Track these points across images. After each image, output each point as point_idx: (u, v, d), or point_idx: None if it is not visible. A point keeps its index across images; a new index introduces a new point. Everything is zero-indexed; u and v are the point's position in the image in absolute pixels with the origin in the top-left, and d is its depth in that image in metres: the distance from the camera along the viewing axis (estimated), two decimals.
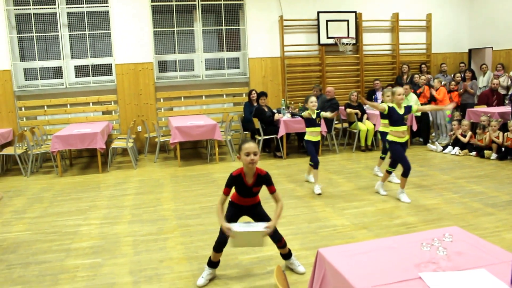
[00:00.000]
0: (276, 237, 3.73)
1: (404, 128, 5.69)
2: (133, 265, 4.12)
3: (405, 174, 5.65)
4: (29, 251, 4.53)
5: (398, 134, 5.67)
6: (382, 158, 7.10)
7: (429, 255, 2.37)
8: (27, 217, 5.65)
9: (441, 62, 11.16)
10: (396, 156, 5.75)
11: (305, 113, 6.35)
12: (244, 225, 3.48)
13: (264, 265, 4.01)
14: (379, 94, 10.23)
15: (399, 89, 5.68)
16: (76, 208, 5.93)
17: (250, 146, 3.47)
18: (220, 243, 3.66)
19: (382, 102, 9.90)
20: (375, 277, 2.26)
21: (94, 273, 3.98)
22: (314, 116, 6.31)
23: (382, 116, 6.30)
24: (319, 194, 6.11)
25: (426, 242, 2.40)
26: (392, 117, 5.67)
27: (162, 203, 6.04)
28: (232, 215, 3.69)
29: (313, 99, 6.31)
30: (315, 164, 6.26)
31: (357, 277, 2.26)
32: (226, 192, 3.55)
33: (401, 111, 5.63)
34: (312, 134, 6.39)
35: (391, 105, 5.66)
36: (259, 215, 3.74)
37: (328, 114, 6.71)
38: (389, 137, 5.76)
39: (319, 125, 6.44)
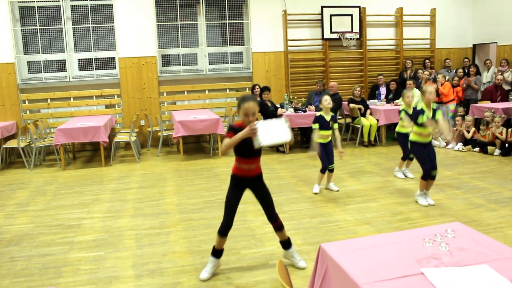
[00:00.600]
0: (273, 216, 3.73)
1: (429, 130, 5.28)
2: (135, 258, 4.14)
3: (424, 177, 5.35)
4: (32, 244, 4.55)
5: (423, 135, 5.31)
6: (404, 159, 6.66)
7: (431, 250, 2.37)
8: (30, 210, 5.67)
9: (445, 57, 11.12)
10: (419, 158, 5.43)
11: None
12: (266, 121, 3.29)
13: (266, 259, 4.02)
14: (382, 89, 10.20)
15: (430, 88, 5.22)
16: (79, 202, 5.96)
17: (250, 106, 3.34)
18: (225, 227, 3.60)
19: (387, 97, 9.93)
20: (377, 272, 2.26)
21: (97, 266, 4.00)
22: (327, 118, 5.85)
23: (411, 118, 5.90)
24: (316, 193, 5.98)
25: (428, 238, 2.40)
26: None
27: (165, 197, 6.05)
28: (232, 195, 3.63)
29: (327, 97, 5.90)
30: (322, 168, 5.97)
31: (359, 272, 2.26)
32: (231, 136, 3.38)
33: (430, 114, 5.19)
34: (322, 137, 5.93)
35: (419, 107, 5.26)
36: (262, 195, 3.73)
37: (337, 133, 6.01)
38: (412, 137, 5.43)
39: (330, 129, 5.96)
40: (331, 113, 5.97)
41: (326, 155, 5.99)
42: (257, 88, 9.19)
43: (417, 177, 6.57)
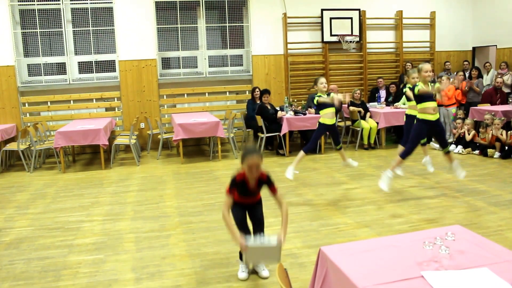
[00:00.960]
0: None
1: (434, 104, 5.45)
2: (135, 261, 4.13)
3: (402, 155, 5.60)
4: (31, 247, 4.55)
5: (428, 110, 5.44)
6: (423, 144, 6.66)
7: (431, 253, 2.36)
8: (30, 212, 5.67)
9: (445, 60, 11.12)
10: (414, 134, 5.54)
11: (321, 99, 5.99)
12: (257, 240, 3.21)
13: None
14: (382, 92, 10.21)
15: (426, 66, 5.42)
16: (79, 204, 5.95)
17: (254, 161, 3.29)
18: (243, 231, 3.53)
19: (387, 100, 9.93)
20: (377, 275, 2.26)
21: (97, 269, 3.99)
22: (430, 89, 5.70)
23: (409, 99, 6.30)
24: (289, 178, 6.13)
25: (428, 241, 2.39)
26: (425, 94, 5.41)
27: (164, 200, 6.05)
28: (238, 214, 3.62)
29: (323, 80, 6.06)
30: (306, 148, 6.24)
31: (359, 275, 2.26)
32: (232, 194, 3.42)
33: (428, 89, 5.43)
34: (327, 116, 6.02)
35: (418, 85, 5.46)
36: (256, 217, 3.70)
37: (339, 97, 6.07)
38: (419, 115, 5.55)
39: (333, 105, 6.00)
40: (326, 93, 6.08)
41: (332, 136, 6.25)
42: (257, 91, 9.20)
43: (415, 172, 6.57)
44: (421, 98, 5.46)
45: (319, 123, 6.22)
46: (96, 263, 4.13)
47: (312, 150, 6.06)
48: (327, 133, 6.52)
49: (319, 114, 6.30)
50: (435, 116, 5.48)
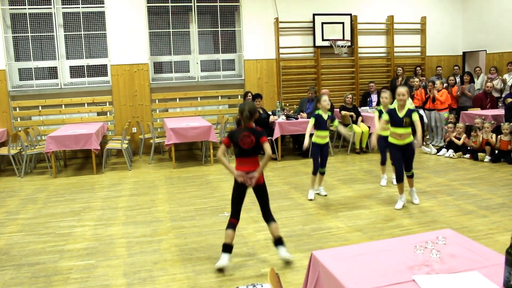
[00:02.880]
0: (267, 216, 4.19)
1: (401, 130, 5.38)
2: (127, 267, 4.11)
3: (397, 180, 5.59)
4: (22, 253, 4.51)
5: (395, 136, 5.47)
6: (383, 164, 6.67)
7: (422, 257, 2.37)
8: (21, 218, 5.62)
9: (436, 64, 11.22)
10: (391, 158, 5.63)
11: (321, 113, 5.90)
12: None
13: (258, 267, 4.01)
14: (374, 97, 10.26)
15: (400, 89, 5.40)
16: (70, 210, 5.91)
17: (244, 134, 3.93)
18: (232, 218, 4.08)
19: (378, 105, 9.98)
20: (369, 279, 2.27)
21: (88, 275, 3.97)
22: (325, 117, 5.88)
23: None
24: (311, 200, 6.01)
25: (419, 245, 2.41)
26: (392, 119, 5.45)
27: (156, 204, 6.03)
28: (236, 189, 4.09)
29: (326, 97, 5.95)
30: (314, 170, 6.03)
31: (351, 279, 2.26)
32: (226, 142, 4.01)
33: (401, 114, 5.36)
34: (319, 136, 5.96)
35: (391, 107, 5.54)
36: (261, 196, 4.17)
37: (343, 130, 6.33)
38: (389, 138, 5.60)
39: (327, 129, 6.00)
40: (329, 113, 5.98)
41: (320, 157, 6.01)
42: (249, 96, 9.21)
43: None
44: (392, 122, 5.45)
45: (313, 143, 6.04)
46: (87, 268, 4.10)
47: (317, 168, 6.03)
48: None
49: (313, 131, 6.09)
50: (402, 141, 5.42)
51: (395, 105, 5.53)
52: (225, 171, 5.37)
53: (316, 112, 5.95)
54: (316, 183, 6.18)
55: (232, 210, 4.06)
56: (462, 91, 9.72)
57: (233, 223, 4.02)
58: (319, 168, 6.04)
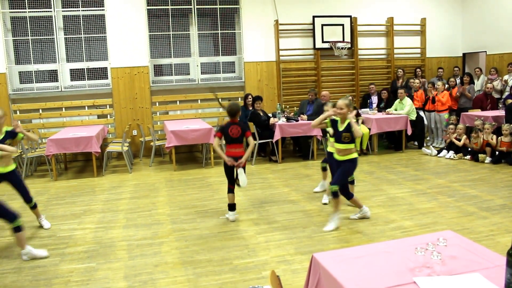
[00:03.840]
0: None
1: (338, 146, 4.92)
2: (127, 269, 4.11)
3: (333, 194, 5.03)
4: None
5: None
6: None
7: (423, 259, 2.37)
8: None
9: (436, 66, 11.22)
10: (351, 172, 5.11)
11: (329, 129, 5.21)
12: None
13: (259, 269, 4.00)
14: (374, 98, 10.27)
15: (339, 102, 4.85)
16: (71, 212, 5.91)
17: (233, 126, 5.25)
18: (230, 185, 5.33)
19: (378, 106, 9.99)
20: (370, 281, 2.27)
21: (89, 278, 3.97)
22: (341, 128, 4.93)
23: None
24: (325, 204, 5.85)
25: (420, 247, 2.40)
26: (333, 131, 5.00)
27: (157, 207, 6.03)
28: (226, 167, 5.30)
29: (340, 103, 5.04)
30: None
31: (352, 282, 2.26)
32: (219, 135, 5.28)
33: (340, 127, 4.87)
34: (332, 144, 5.32)
35: (336, 118, 4.96)
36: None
37: (357, 128, 4.90)
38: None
39: (342, 143, 4.93)
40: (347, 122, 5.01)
41: (330, 168, 5.59)
42: (250, 98, 9.20)
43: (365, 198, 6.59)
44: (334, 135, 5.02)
45: (328, 152, 5.68)
46: (88, 271, 4.10)
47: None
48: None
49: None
50: (340, 157, 4.96)
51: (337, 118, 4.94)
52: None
53: (333, 117, 5.12)
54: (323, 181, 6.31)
55: (228, 180, 5.35)
56: (462, 92, 9.72)
57: (231, 188, 5.34)
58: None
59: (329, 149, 5.53)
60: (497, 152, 7.93)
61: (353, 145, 4.90)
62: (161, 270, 4.07)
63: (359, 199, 5.37)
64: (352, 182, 5.83)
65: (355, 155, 4.94)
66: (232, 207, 5.33)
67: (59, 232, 5.17)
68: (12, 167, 5.06)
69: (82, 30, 9.30)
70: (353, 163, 4.95)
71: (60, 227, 5.34)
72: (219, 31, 10.03)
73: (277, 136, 8.41)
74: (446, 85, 9.84)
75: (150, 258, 4.34)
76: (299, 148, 9.04)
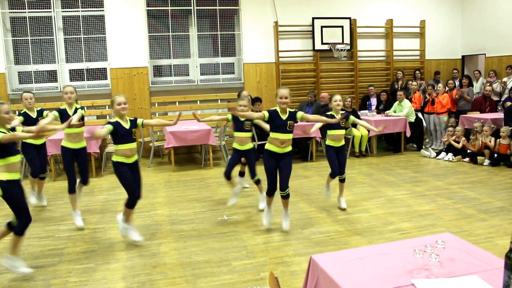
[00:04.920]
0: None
1: (339, 132, 5.51)
2: (126, 270, 4.11)
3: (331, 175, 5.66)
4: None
5: (333, 137, 5.56)
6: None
7: (421, 261, 2.37)
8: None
9: (435, 68, 11.24)
10: (328, 160, 5.67)
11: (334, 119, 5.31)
12: None
13: (258, 271, 4.00)
14: (373, 100, 10.28)
15: (335, 96, 5.48)
16: (69, 213, 5.89)
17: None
18: (270, 189, 4.94)
19: (378, 108, 10.00)
20: (368, 283, 2.27)
21: (87, 278, 3.96)
22: (338, 117, 5.40)
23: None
24: (344, 209, 5.65)
25: (418, 249, 2.40)
26: (273, 122, 4.78)
27: (156, 208, 6.02)
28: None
29: (338, 97, 5.49)
30: (332, 174, 5.61)
31: (350, 283, 2.26)
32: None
33: (284, 116, 4.73)
34: (333, 138, 5.55)
35: (272, 109, 4.81)
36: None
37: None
38: (326, 142, 5.70)
39: (343, 127, 5.60)
40: (341, 112, 5.55)
41: (338, 162, 5.57)
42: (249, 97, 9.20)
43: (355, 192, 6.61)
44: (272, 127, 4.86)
45: (327, 145, 5.67)
46: (86, 272, 4.09)
47: (335, 172, 5.58)
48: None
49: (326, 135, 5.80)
50: (339, 143, 5.64)
51: (277, 108, 4.80)
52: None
53: (330, 113, 5.54)
54: (339, 193, 5.80)
55: (270, 182, 4.91)
56: (461, 95, 9.74)
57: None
58: (337, 171, 5.56)
59: (333, 143, 5.63)
60: (495, 155, 7.93)
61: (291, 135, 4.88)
62: (159, 271, 4.07)
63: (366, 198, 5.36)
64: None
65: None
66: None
67: (58, 233, 5.17)
68: (83, 144, 5.41)
69: (81, 31, 9.30)
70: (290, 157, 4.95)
71: (58, 228, 5.33)
72: (219, 32, 10.03)
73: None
74: (446, 88, 9.85)
75: (148, 259, 4.34)
76: (298, 150, 9.05)
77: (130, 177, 4.61)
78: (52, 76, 9.41)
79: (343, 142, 5.68)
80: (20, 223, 4.00)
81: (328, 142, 5.67)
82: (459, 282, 2.23)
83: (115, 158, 4.60)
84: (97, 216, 5.72)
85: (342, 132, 5.65)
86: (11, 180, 3.88)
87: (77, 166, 5.50)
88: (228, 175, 5.62)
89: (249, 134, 5.77)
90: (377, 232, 4.88)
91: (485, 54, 10.97)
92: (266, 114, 4.72)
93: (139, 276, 3.97)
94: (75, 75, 9.51)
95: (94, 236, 5.03)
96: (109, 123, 4.53)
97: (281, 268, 4.04)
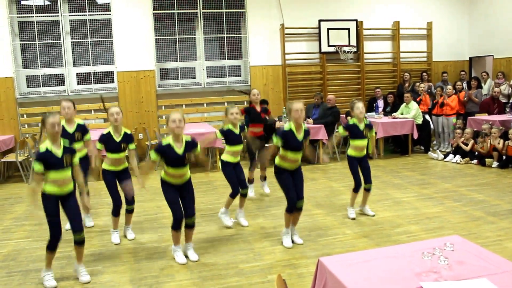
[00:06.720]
0: None
1: (296, 156, 4.52)
2: (133, 272, 4.11)
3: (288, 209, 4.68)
4: (29, 259, 4.52)
5: (287, 159, 4.57)
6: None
7: (430, 264, 2.36)
8: (28, 224, 5.64)
9: (442, 70, 11.17)
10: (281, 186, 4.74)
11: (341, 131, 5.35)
12: None
13: (265, 273, 4.00)
14: (380, 103, 10.25)
15: (295, 105, 4.39)
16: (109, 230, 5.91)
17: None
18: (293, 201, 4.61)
19: (384, 110, 9.96)
20: (376, 286, 2.26)
21: (94, 280, 3.97)
22: (361, 127, 5.25)
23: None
24: (353, 218, 5.42)
25: (427, 251, 2.39)
26: (288, 143, 4.43)
27: (163, 210, 6.03)
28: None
29: (360, 104, 5.22)
30: (355, 186, 5.39)
31: (358, 286, 2.25)
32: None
33: (299, 136, 4.44)
34: (356, 148, 5.32)
35: (286, 129, 4.46)
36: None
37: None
38: (276, 161, 4.65)
39: (365, 138, 5.29)
40: (366, 121, 5.32)
41: (362, 171, 5.36)
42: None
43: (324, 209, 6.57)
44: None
45: (348, 156, 5.44)
46: (94, 274, 4.10)
47: (358, 184, 5.37)
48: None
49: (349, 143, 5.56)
50: (294, 165, 4.60)
51: (289, 125, 4.45)
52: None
53: (351, 122, 5.32)
54: (362, 203, 5.57)
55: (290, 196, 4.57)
56: (469, 97, 9.68)
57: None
58: (360, 184, 5.36)
59: (355, 153, 5.37)
60: (504, 157, 7.88)
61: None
62: (166, 274, 4.07)
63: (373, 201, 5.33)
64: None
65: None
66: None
67: (65, 235, 5.16)
68: (125, 165, 5.05)
69: (88, 35, 9.35)
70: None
71: (66, 230, 5.34)
72: (225, 35, 10.05)
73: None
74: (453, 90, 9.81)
75: (155, 262, 4.35)
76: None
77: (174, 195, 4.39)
78: (59, 79, 9.46)
79: (365, 152, 5.39)
80: (74, 232, 3.99)
81: (350, 152, 5.38)
82: (468, 285, 2.21)
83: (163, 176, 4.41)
84: (104, 219, 5.74)
85: (365, 142, 5.34)
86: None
87: (120, 185, 5.13)
88: (238, 191, 5.20)
89: (242, 146, 5.42)
90: (384, 235, 4.86)
91: (493, 55, 10.90)
92: (280, 141, 4.36)
93: (146, 279, 3.98)
94: (82, 78, 9.56)
95: (101, 238, 5.04)
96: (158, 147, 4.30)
97: (288, 270, 4.02)
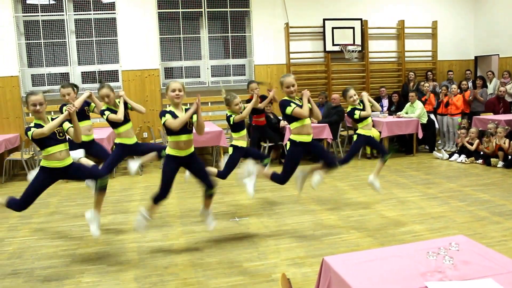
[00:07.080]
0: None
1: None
2: (138, 271, 4.13)
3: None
4: (34, 256, 4.54)
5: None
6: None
7: (435, 264, 2.35)
8: (33, 222, 5.67)
9: (447, 69, 11.13)
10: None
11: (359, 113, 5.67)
12: None
13: (269, 272, 4.00)
14: (384, 102, 10.23)
15: (287, 79, 5.27)
16: (82, 214, 5.91)
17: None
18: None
19: (389, 110, 9.94)
20: (381, 286, 2.25)
21: (99, 278, 3.99)
22: (361, 106, 5.76)
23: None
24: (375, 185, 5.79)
25: (432, 251, 2.39)
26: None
27: (167, 209, 6.04)
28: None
29: (352, 92, 5.74)
30: (343, 161, 5.77)
31: (362, 286, 2.25)
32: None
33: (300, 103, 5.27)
34: (366, 127, 5.78)
35: (285, 98, 5.40)
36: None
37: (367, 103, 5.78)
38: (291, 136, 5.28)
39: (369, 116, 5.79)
40: (359, 105, 5.75)
41: (374, 146, 6.11)
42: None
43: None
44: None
45: (358, 134, 5.80)
46: (99, 272, 4.12)
47: (343, 163, 5.78)
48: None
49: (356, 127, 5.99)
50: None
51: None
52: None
53: (350, 108, 5.79)
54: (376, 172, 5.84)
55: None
56: (474, 96, 9.65)
57: None
58: (347, 162, 5.80)
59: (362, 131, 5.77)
60: (509, 157, 7.84)
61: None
62: (171, 272, 4.08)
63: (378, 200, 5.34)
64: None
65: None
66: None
67: (70, 233, 5.21)
68: (134, 139, 5.83)
69: (93, 34, 9.38)
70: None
71: (71, 228, 5.38)
72: (230, 34, 10.06)
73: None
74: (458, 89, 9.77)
75: (160, 260, 4.36)
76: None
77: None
78: (64, 78, 9.49)
79: (372, 132, 5.90)
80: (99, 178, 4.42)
81: (360, 131, 5.79)
82: (473, 285, 2.20)
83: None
84: (109, 217, 5.76)
85: (371, 120, 5.81)
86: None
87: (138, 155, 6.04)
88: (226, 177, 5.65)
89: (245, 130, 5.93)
90: (389, 234, 4.85)
91: (498, 54, 10.85)
92: (291, 107, 5.11)
93: (150, 277, 3.99)
94: (87, 77, 9.59)
95: (106, 237, 5.06)
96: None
97: (293, 269, 4.02)
